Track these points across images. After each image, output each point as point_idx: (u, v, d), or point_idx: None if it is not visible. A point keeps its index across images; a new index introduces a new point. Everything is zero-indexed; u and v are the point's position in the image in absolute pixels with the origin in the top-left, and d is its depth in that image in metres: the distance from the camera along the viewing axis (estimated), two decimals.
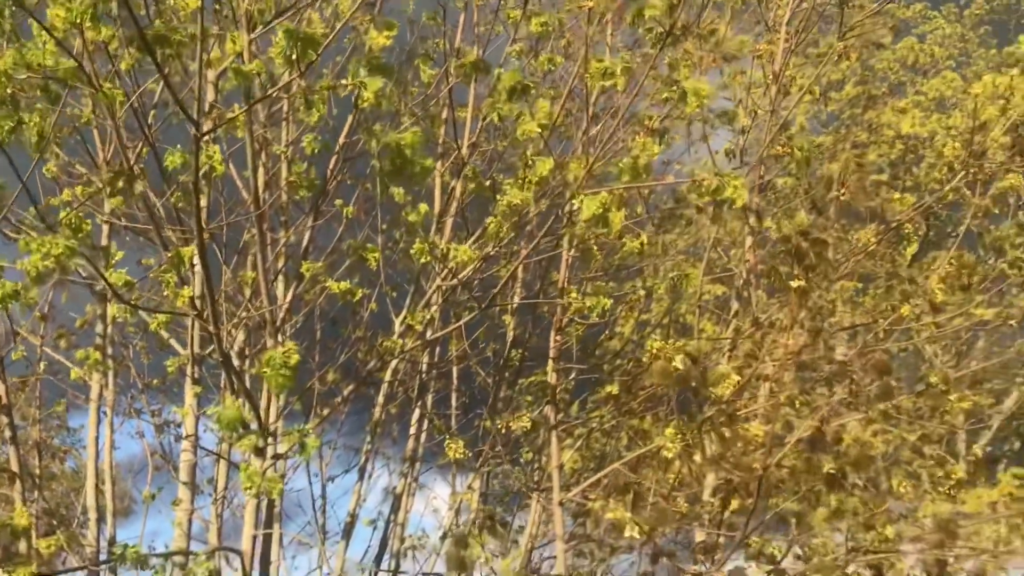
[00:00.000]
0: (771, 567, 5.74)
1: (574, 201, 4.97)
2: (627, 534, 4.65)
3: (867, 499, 5.37)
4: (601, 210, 4.79)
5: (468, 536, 4.64)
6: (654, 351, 4.50)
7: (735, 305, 7.34)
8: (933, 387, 5.83)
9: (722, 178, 4.69)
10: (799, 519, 5.48)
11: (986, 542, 5.75)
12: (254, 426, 6.86)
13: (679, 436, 4.13)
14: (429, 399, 10.07)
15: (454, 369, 10.48)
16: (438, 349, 9.56)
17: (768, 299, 5.96)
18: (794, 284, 3.91)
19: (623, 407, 7.80)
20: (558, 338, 7.00)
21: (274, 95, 5.51)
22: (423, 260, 5.51)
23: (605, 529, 5.26)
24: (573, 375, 7.08)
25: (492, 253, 6.05)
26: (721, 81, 7.07)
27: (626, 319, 6.30)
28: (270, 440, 7.11)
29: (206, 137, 4.88)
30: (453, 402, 10.47)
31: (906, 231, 7.37)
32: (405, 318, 6.78)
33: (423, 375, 9.15)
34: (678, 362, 4.55)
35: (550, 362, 7.02)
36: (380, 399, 8.94)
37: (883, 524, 5.43)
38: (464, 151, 7.18)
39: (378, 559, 9.12)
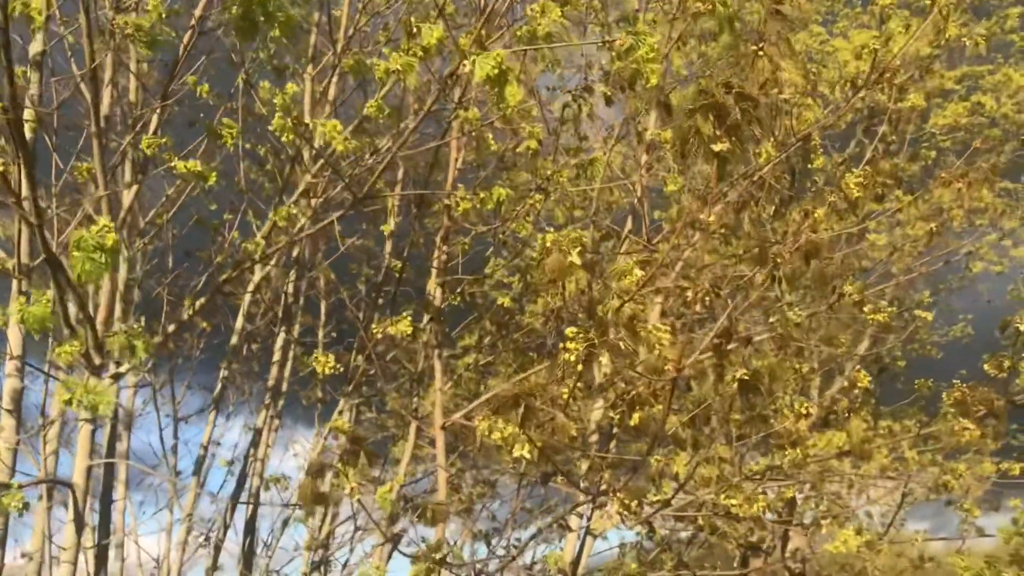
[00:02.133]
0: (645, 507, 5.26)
1: (464, 64, 4.23)
2: (516, 454, 3.98)
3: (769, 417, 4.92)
4: (496, 71, 4.09)
5: (325, 466, 3.90)
6: (547, 244, 3.81)
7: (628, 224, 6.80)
8: (847, 297, 5.41)
9: (636, 37, 4.06)
10: (698, 440, 4.99)
11: None
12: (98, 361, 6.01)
13: (581, 337, 3.47)
14: (296, 328, 9.26)
15: (322, 303, 9.72)
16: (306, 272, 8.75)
17: (682, 170, 5.36)
18: (716, 148, 3.27)
19: (508, 328, 7.20)
20: (444, 248, 6.29)
21: None
22: (286, 138, 4.67)
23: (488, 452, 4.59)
24: (459, 290, 6.40)
25: (373, 143, 5.29)
26: None
27: (521, 225, 5.64)
28: (106, 357, 6.21)
29: None
30: (321, 330, 9.67)
31: (813, 143, 6.95)
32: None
33: (287, 296, 8.28)
34: (575, 256, 3.88)
35: (433, 274, 6.32)
36: (239, 321, 8.06)
37: (794, 444, 5.00)
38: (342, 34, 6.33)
39: (235, 497, 8.29)
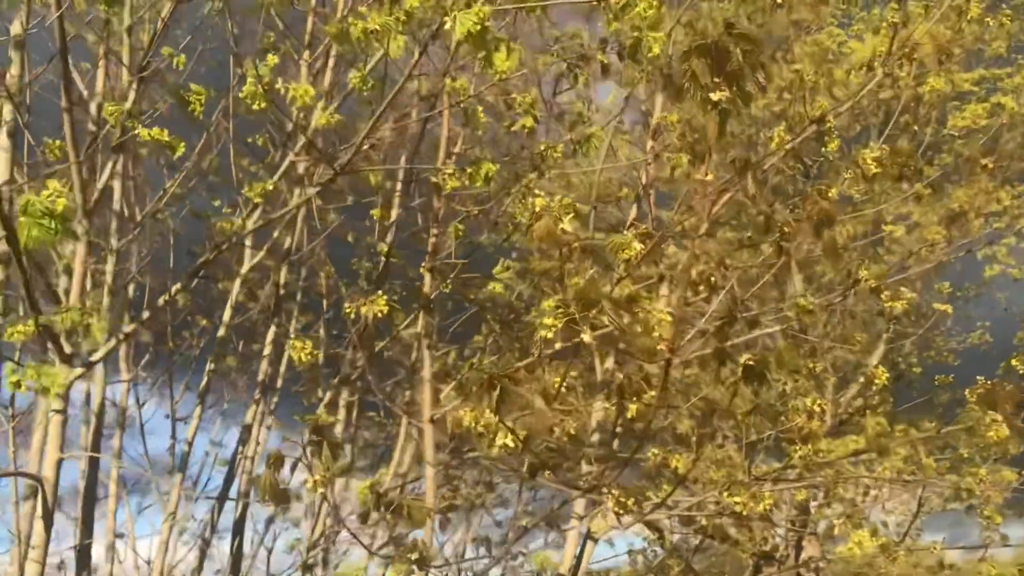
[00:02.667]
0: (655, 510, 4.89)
1: (446, 20, 3.89)
2: (498, 443, 3.63)
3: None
4: (478, 27, 3.74)
5: (278, 457, 3.54)
6: (537, 209, 3.45)
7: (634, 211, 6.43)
8: (862, 284, 5.03)
9: None
10: (701, 436, 4.62)
11: None
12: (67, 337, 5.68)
13: (560, 310, 3.10)
14: (294, 323, 8.94)
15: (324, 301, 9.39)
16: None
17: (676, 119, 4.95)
18: (714, 96, 2.90)
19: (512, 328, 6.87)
20: (434, 231, 5.94)
21: None
22: (257, 105, 4.34)
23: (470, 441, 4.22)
24: (452, 276, 6.04)
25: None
26: None
27: (518, 209, 5.25)
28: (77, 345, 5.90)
29: None
30: (323, 329, 9.32)
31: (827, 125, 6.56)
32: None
33: (279, 287, 7.94)
34: (567, 223, 3.52)
35: (426, 259, 5.96)
36: (227, 313, 7.73)
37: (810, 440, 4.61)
38: None
39: (222, 498, 7.95)
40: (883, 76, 6.55)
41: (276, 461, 3.52)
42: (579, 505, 6.74)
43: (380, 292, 4.26)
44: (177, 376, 10.28)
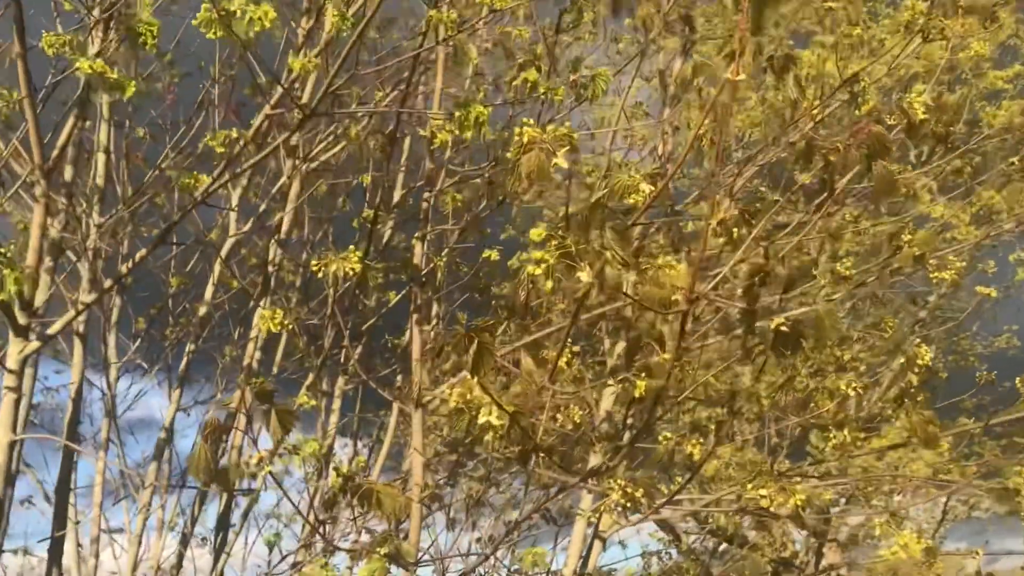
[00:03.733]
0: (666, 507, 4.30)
1: None
2: (482, 419, 3.05)
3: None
4: None
5: (215, 428, 2.96)
6: (525, 140, 2.86)
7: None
8: (906, 250, 4.42)
9: None
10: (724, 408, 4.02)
11: None
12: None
13: (554, 245, 2.51)
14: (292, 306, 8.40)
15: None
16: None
17: None
18: None
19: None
20: (428, 194, 5.38)
21: None
22: (212, 33, 3.75)
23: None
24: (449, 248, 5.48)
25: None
26: None
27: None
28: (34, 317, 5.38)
29: None
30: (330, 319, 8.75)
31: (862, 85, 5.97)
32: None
33: (269, 265, 7.38)
34: (560, 158, 2.92)
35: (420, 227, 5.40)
36: (208, 291, 7.20)
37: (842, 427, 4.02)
38: None
39: (203, 489, 7.41)
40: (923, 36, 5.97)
41: (213, 432, 2.95)
42: (586, 501, 6.18)
43: (353, 248, 3.69)
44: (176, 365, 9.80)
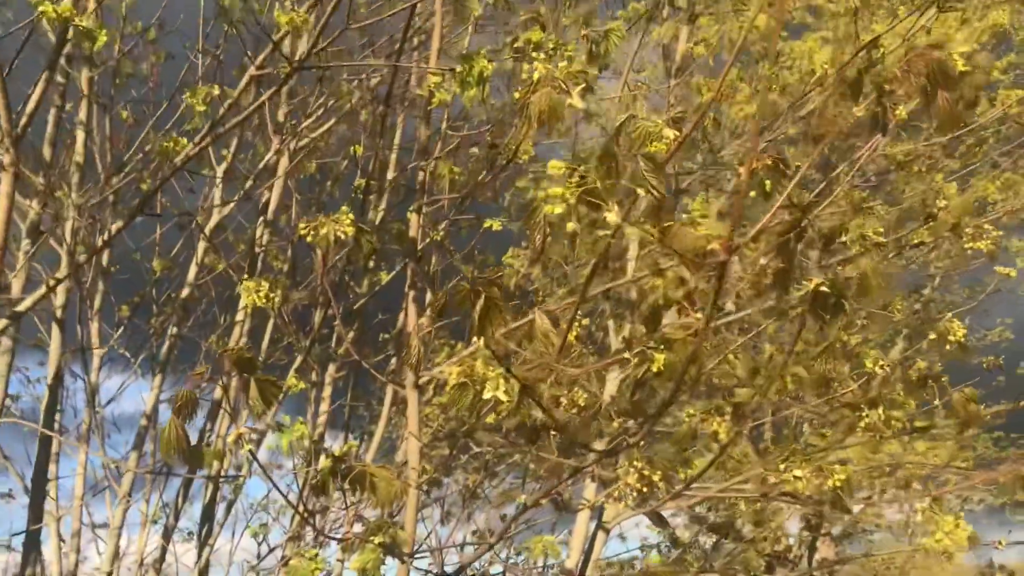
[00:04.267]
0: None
1: None
2: (488, 394, 2.72)
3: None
4: None
5: (187, 401, 2.61)
6: (535, 79, 2.53)
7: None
8: (939, 216, 4.12)
9: None
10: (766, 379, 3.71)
11: None
12: None
13: (575, 181, 2.16)
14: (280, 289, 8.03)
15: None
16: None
17: None
18: None
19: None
20: (424, 163, 5.03)
21: None
22: None
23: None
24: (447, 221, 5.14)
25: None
26: None
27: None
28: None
29: None
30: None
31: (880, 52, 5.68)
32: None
33: (257, 243, 7.04)
34: (575, 98, 2.59)
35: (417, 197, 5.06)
36: (191, 272, 6.85)
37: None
38: None
39: (187, 479, 7.06)
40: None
41: (185, 405, 2.62)
42: (589, 490, 5.88)
43: (345, 210, 3.36)
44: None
